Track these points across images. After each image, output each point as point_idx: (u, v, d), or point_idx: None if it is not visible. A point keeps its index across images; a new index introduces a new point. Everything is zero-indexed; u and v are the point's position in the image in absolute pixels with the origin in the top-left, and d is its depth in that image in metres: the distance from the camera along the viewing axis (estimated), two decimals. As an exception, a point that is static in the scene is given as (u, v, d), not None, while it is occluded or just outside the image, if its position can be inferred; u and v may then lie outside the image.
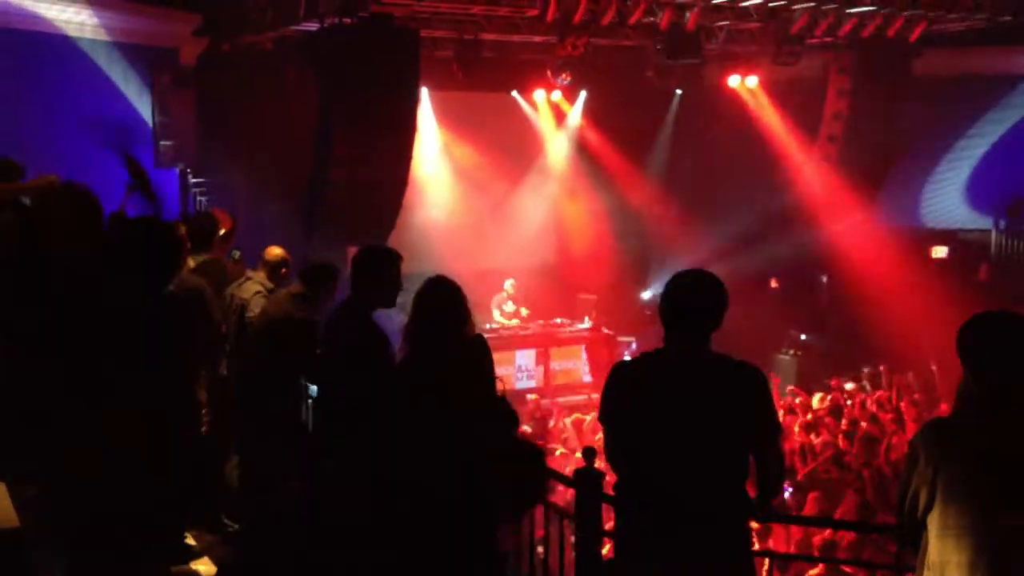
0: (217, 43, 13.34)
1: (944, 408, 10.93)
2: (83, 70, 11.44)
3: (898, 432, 10.00)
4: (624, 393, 3.51)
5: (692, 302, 3.42)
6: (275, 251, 6.56)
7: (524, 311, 14.78)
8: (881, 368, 12.83)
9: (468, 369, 4.09)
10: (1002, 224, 15.59)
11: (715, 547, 3.35)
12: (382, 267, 4.75)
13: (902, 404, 10.99)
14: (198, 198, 13.19)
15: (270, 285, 6.31)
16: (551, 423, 11.24)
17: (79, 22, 11.23)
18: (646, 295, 17.03)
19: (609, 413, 3.57)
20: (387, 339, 4.66)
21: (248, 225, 13.69)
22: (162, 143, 12.78)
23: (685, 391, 3.34)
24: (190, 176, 13.25)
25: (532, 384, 13.77)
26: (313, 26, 11.57)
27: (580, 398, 13.18)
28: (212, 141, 13.11)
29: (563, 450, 9.35)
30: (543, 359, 14.07)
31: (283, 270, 6.46)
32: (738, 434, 3.34)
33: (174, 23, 12.72)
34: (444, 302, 4.14)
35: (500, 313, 14.59)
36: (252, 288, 6.29)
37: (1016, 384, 3.00)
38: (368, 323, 4.72)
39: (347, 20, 10.87)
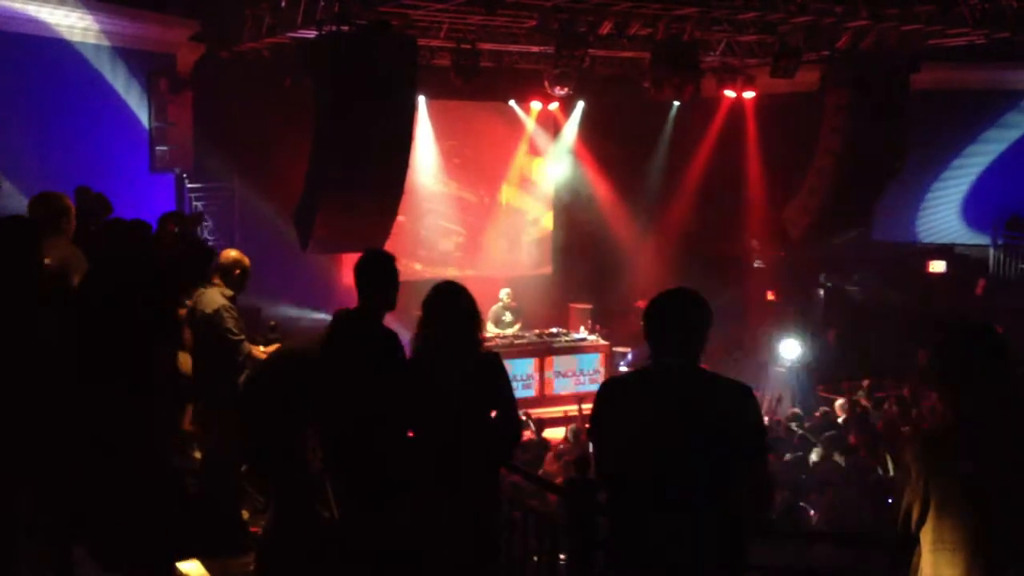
0: (214, 49, 13.34)
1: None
2: (80, 74, 11.41)
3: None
4: (614, 411, 3.45)
5: (679, 321, 3.35)
6: (230, 254, 6.09)
7: (516, 327, 14.52)
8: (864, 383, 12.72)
9: (481, 385, 4.16)
10: (1000, 240, 15.59)
11: (706, 565, 3.30)
12: (391, 271, 4.64)
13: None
14: (194, 203, 13.18)
15: (229, 292, 5.89)
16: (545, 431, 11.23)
17: (77, 26, 11.21)
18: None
19: (599, 430, 3.51)
20: (402, 345, 4.50)
21: (244, 231, 13.75)
22: (158, 148, 12.78)
23: (675, 410, 3.28)
24: (187, 181, 13.24)
25: (530, 394, 13.71)
26: (310, 33, 11.54)
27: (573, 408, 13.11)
28: (209, 147, 13.10)
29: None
30: (539, 369, 14.02)
31: (236, 271, 5.97)
32: (728, 452, 3.28)
33: (171, 28, 12.70)
34: (466, 309, 4.25)
35: (496, 325, 14.37)
36: (217, 300, 5.83)
37: (1000, 396, 2.99)
38: (387, 329, 4.52)
39: (344, 27, 10.84)
